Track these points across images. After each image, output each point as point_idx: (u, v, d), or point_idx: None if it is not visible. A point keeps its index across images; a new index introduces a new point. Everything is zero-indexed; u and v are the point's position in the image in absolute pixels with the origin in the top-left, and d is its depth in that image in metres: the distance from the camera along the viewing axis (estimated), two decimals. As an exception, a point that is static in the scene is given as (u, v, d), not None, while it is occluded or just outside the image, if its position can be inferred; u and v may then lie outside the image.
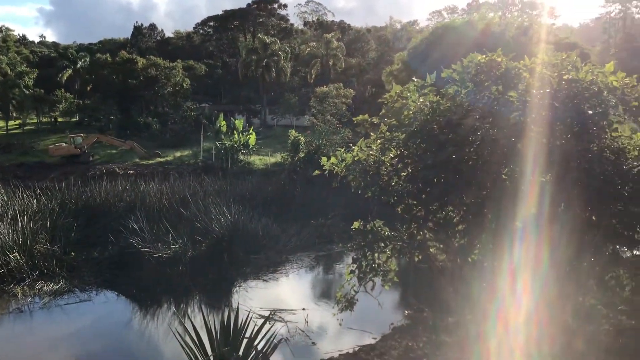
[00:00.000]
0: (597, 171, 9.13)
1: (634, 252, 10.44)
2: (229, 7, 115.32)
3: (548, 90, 9.83)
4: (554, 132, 9.77)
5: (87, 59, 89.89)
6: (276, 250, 26.73)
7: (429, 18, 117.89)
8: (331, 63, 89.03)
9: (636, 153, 9.62)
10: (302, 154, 40.19)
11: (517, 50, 12.60)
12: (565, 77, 9.82)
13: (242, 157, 47.62)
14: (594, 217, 9.60)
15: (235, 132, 47.66)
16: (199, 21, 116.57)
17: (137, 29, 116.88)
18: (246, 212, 28.22)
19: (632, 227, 9.42)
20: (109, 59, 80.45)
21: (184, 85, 75.19)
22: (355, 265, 11.56)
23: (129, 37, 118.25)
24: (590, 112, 9.63)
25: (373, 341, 16.42)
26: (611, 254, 10.09)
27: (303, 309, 19.35)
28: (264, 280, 23.53)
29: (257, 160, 48.59)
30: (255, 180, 37.86)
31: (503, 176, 10.03)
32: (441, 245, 12.09)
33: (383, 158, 11.13)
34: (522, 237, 10.05)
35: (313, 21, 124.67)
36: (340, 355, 15.37)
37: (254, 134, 49.30)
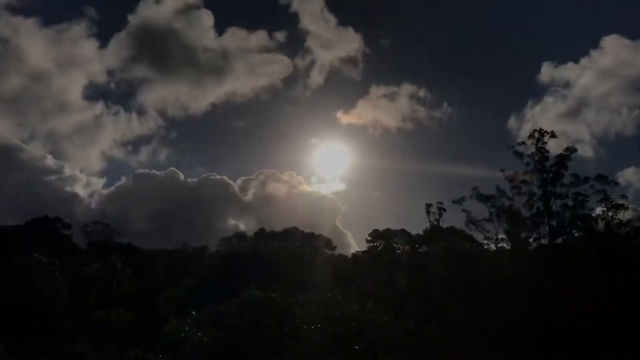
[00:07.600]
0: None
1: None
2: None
3: (319, 325, 10.48)
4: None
5: None
6: None
7: (218, 244, 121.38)
8: (114, 285, 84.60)
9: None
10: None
11: (299, 278, 13.50)
12: (333, 314, 10.63)
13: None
14: None
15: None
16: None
17: None
18: None
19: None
20: None
21: None
22: None
23: None
24: (357, 347, 10.38)
25: None
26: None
27: None
28: None
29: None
30: None
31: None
32: None
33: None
34: None
35: (99, 242, 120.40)
36: None
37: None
